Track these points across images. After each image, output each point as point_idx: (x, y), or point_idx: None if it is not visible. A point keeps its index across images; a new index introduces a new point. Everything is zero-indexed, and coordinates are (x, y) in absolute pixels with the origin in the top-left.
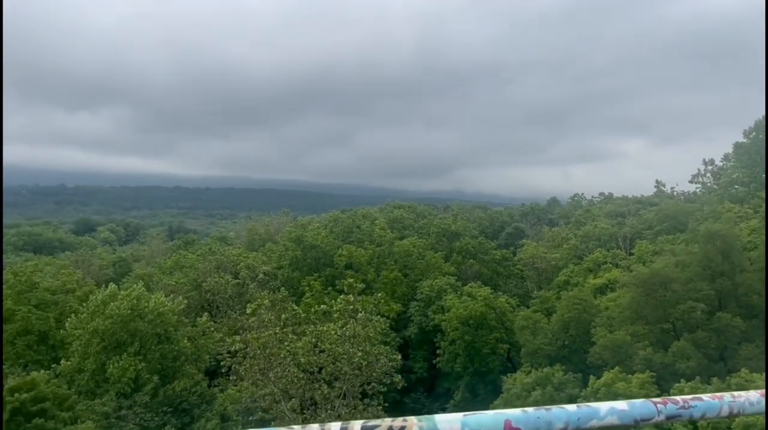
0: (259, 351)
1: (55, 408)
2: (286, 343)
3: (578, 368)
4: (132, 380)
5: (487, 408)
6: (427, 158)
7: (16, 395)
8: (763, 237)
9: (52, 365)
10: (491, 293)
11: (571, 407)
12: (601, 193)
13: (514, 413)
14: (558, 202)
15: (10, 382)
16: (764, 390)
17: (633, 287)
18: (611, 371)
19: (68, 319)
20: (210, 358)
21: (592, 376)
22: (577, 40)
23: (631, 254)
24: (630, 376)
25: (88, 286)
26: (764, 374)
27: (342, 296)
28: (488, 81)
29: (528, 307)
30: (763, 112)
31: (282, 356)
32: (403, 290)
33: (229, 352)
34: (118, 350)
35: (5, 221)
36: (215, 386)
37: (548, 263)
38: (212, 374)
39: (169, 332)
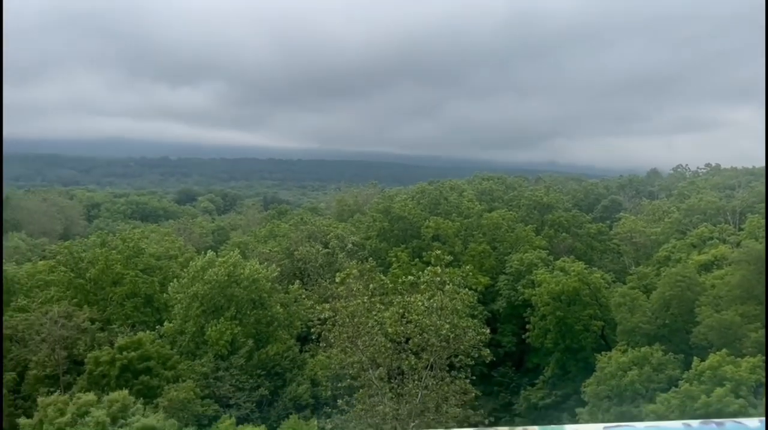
0: (347, 319)
1: (159, 367)
2: (373, 312)
3: (679, 348)
4: (229, 343)
5: (578, 386)
6: (518, 129)
7: (125, 353)
8: None
9: (156, 327)
10: (585, 268)
11: None
12: (707, 165)
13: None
14: (659, 174)
15: (119, 340)
16: (764, 418)
17: (744, 264)
18: (717, 353)
19: (171, 283)
20: (301, 324)
21: (696, 358)
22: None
23: (741, 229)
24: (739, 359)
25: (189, 253)
26: (764, 400)
27: (429, 268)
28: (585, 46)
29: (624, 283)
30: None
31: (370, 325)
32: (491, 263)
33: (319, 319)
34: (215, 314)
35: (117, 190)
36: (306, 351)
37: (647, 237)
38: (303, 339)
39: (263, 298)
